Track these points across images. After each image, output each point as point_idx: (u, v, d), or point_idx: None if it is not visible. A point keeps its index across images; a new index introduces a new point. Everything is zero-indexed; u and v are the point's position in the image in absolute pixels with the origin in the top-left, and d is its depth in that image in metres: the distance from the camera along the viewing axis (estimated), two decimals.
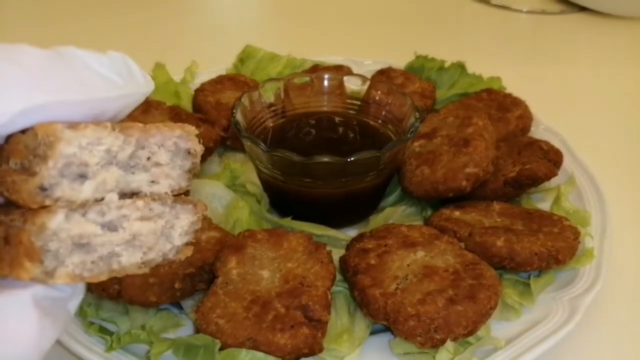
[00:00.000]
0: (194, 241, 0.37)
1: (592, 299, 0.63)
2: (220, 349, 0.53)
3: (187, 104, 0.95)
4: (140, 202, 0.33)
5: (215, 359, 0.53)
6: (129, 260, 0.34)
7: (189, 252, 0.37)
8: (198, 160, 0.36)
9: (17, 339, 0.29)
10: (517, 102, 0.91)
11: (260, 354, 0.53)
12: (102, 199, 0.32)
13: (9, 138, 0.31)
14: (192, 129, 0.35)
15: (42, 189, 0.29)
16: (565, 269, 0.66)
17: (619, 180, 0.87)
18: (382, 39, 1.41)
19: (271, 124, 0.83)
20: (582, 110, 1.11)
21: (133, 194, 0.34)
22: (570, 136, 0.89)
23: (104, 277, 0.33)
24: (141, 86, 0.34)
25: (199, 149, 0.36)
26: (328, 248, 0.65)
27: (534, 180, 0.74)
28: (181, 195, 0.36)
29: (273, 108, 0.83)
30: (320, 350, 0.55)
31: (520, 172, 0.74)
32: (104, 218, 0.32)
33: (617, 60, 1.34)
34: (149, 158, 0.34)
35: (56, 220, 0.30)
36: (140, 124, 0.33)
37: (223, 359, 0.53)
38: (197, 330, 0.57)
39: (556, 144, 0.81)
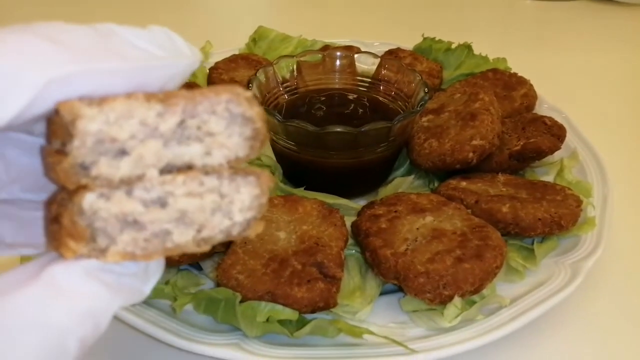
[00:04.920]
0: (261, 216, 0.33)
1: (593, 264, 0.65)
2: (240, 302, 0.57)
3: (202, 83, 0.98)
4: (180, 177, 0.30)
5: (236, 311, 0.56)
6: (181, 238, 0.31)
7: (259, 228, 0.33)
8: (259, 125, 0.32)
9: (59, 304, 0.28)
10: (522, 81, 0.94)
11: (279, 307, 0.56)
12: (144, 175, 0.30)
13: (50, 119, 0.30)
14: (241, 90, 0.31)
15: (83, 167, 0.28)
16: (567, 236, 0.69)
17: (620, 157, 0.90)
18: (389, 22, 1.44)
19: (284, 100, 0.86)
20: (585, 93, 1.13)
21: (189, 167, 0.31)
22: (573, 116, 0.92)
23: (158, 256, 0.31)
24: (186, 57, 0.32)
25: (254, 112, 0.32)
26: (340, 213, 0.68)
27: (538, 154, 0.77)
28: (244, 167, 0.33)
29: (286, 84, 0.86)
30: (335, 304, 0.58)
31: (525, 145, 0.77)
32: (149, 195, 0.30)
33: (620, 45, 1.37)
34: (199, 127, 0.31)
35: (87, 200, 0.29)
36: (186, 92, 0.30)
37: (243, 311, 0.56)
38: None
39: (560, 121, 0.83)
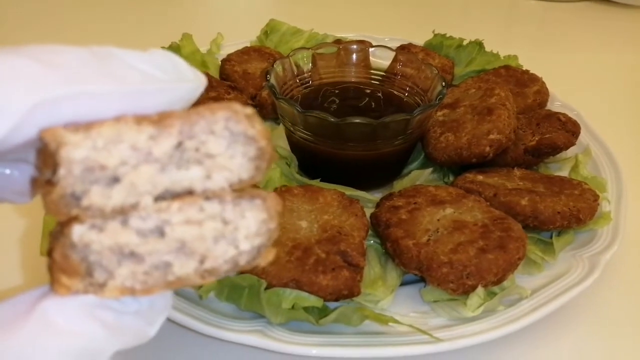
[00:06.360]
0: (271, 243, 0.31)
1: (610, 258, 0.66)
2: (265, 289, 0.57)
3: (214, 74, 0.98)
4: (176, 204, 0.28)
5: (261, 298, 0.56)
6: (182, 270, 0.29)
7: (270, 255, 0.31)
8: (263, 143, 0.29)
9: (51, 344, 0.26)
10: (534, 78, 0.95)
11: (304, 294, 0.56)
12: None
13: (39, 148, 0.28)
14: (240, 107, 0.29)
15: (75, 197, 0.26)
16: (584, 230, 0.70)
17: (632, 153, 0.91)
18: (396, 18, 1.45)
19: (299, 92, 0.86)
20: (590, 91, 1.14)
21: (190, 193, 0.29)
22: (584, 113, 0.93)
23: (159, 290, 0.29)
24: (189, 81, 0.30)
25: (255, 130, 0.29)
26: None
27: (553, 149, 0.78)
28: (248, 189, 0.30)
29: (301, 77, 0.86)
30: (359, 292, 0.58)
31: (540, 141, 0.78)
32: (145, 224, 0.28)
33: (623, 46, 1.38)
34: (197, 149, 0.28)
35: (76, 232, 0.27)
36: (181, 112, 0.28)
37: (269, 298, 0.56)
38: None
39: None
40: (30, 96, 0.24)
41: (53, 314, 0.27)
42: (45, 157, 0.27)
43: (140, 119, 0.27)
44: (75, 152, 0.26)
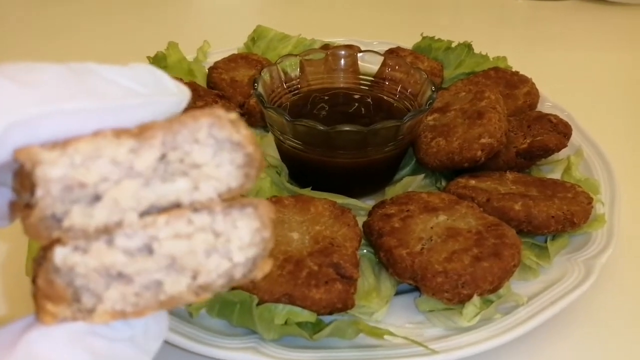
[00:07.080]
0: (267, 253, 0.29)
1: (605, 261, 0.65)
2: (257, 304, 0.55)
3: (201, 82, 0.97)
4: (163, 218, 0.27)
5: (253, 314, 0.55)
6: (174, 287, 0.27)
7: (267, 267, 0.29)
8: (250, 149, 0.28)
9: None
10: (524, 80, 0.94)
11: (297, 309, 0.55)
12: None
13: (16, 170, 0.27)
14: (223, 112, 0.28)
15: (56, 219, 0.25)
16: (578, 233, 0.69)
17: (624, 154, 0.90)
18: (384, 22, 1.44)
19: (288, 100, 0.85)
20: (584, 91, 1.14)
21: (178, 207, 0.28)
22: (574, 113, 0.92)
23: (151, 311, 0.27)
24: (172, 94, 0.29)
25: (241, 136, 0.28)
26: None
27: (545, 151, 0.77)
28: (239, 198, 0.29)
29: (289, 84, 0.85)
30: (353, 305, 0.57)
31: (531, 143, 0.77)
32: (132, 242, 0.27)
33: (611, 44, 1.38)
34: (182, 160, 0.27)
35: (58, 255, 0.25)
36: (163, 122, 0.27)
37: (261, 314, 0.55)
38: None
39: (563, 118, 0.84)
40: (4, 117, 0.24)
41: (38, 346, 0.25)
42: (22, 178, 0.26)
43: (120, 132, 0.26)
44: (52, 171, 0.25)
